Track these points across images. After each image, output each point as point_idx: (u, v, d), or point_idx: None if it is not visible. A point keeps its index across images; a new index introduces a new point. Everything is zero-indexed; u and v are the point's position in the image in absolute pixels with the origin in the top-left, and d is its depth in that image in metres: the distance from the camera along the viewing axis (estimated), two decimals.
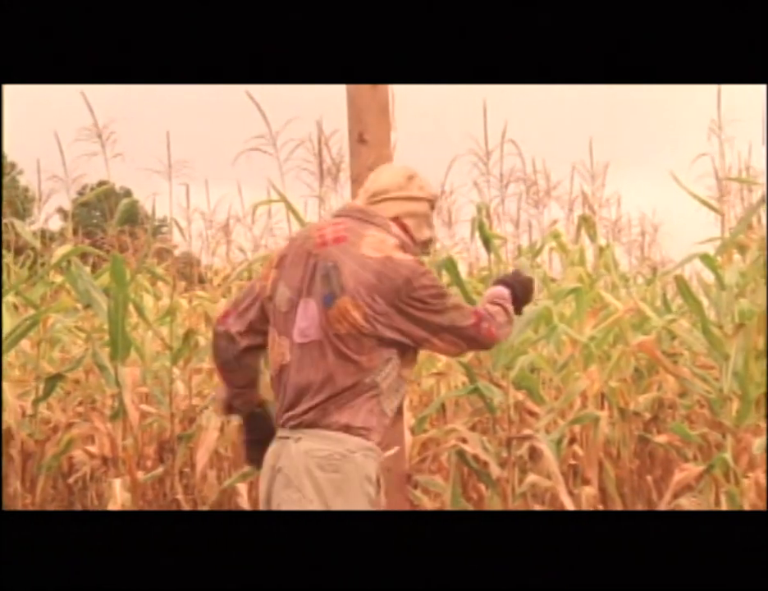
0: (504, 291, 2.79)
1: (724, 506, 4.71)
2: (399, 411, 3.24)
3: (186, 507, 5.68)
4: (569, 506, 4.65)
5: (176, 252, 8.92)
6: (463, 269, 6.69)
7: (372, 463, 2.59)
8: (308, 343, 2.59)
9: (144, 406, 6.08)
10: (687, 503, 4.86)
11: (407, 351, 2.65)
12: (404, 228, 2.70)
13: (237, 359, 2.76)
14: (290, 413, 2.60)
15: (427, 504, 4.80)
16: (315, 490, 2.53)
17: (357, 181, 3.47)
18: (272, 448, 2.64)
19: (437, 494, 5.00)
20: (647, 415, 6.78)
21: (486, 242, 5.02)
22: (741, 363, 4.80)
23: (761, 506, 5.01)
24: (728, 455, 4.74)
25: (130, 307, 5.64)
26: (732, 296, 5.02)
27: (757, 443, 4.85)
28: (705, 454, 5.60)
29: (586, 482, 5.47)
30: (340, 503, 2.53)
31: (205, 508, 5.38)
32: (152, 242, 6.24)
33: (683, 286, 5.46)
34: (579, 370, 5.62)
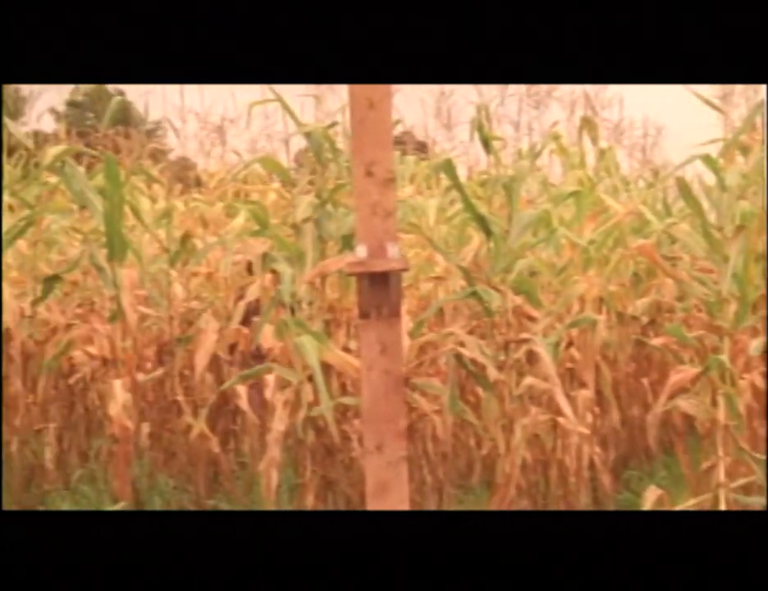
0: None
1: (721, 408, 4.73)
2: (397, 314, 3.24)
3: (187, 409, 5.73)
4: (566, 407, 4.67)
5: (172, 156, 8.79)
6: (462, 172, 6.62)
7: None
8: None
9: (142, 308, 6.07)
10: (684, 405, 4.88)
11: None
12: None
13: None
14: None
15: (425, 406, 4.82)
16: None
17: None
18: None
19: (436, 397, 5.02)
20: (645, 319, 6.80)
21: (486, 144, 4.93)
22: (740, 265, 4.76)
23: (757, 409, 5.05)
24: (724, 357, 4.74)
25: (126, 209, 5.59)
26: (733, 198, 4.94)
27: (754, 345, 4.86)
28: (701, 357, 5.58)
29: (582, 385, 5.50)
30: None
31: (204, 410, 5.41)
32: (146, 143, 6.14)
33: (683, 188, 5.37)
34: (578, 274, 5.59)
